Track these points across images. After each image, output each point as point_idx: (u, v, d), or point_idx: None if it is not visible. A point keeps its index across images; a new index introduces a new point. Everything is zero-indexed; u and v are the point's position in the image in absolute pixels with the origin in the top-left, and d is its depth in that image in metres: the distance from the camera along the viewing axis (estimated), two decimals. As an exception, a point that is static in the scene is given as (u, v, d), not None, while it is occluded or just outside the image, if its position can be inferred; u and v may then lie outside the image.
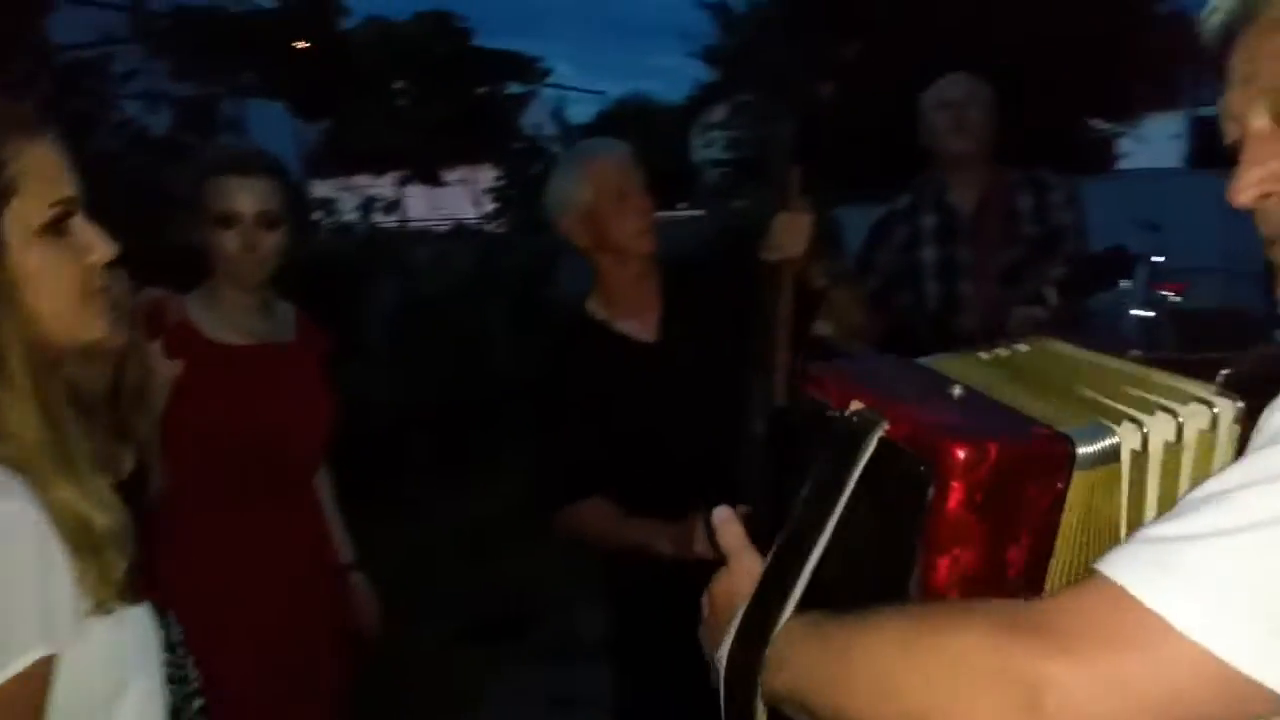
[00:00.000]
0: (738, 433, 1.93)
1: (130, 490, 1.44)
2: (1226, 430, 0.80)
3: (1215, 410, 0.79)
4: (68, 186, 1.04)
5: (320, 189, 8.39)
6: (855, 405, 0.85)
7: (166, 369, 1.83)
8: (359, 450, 4.70)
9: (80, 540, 0.97)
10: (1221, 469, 0.67)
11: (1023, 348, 0.98)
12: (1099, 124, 14.78)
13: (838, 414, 0.86)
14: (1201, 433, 0.79)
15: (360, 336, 5.73)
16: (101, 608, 1.00)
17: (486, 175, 10.34)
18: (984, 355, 0.97)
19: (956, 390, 0.85)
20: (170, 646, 1.20)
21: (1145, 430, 0.78)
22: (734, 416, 2.00)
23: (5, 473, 0.95)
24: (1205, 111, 25.46)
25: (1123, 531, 0.78)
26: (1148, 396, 0.80)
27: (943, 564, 0.76)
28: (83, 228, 1.06)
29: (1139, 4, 13.78)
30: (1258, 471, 0.62)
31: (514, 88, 9.39)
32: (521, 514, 4.85)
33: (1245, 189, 0.81)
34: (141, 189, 4.93)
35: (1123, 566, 0.62)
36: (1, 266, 0.97)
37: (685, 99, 20.51)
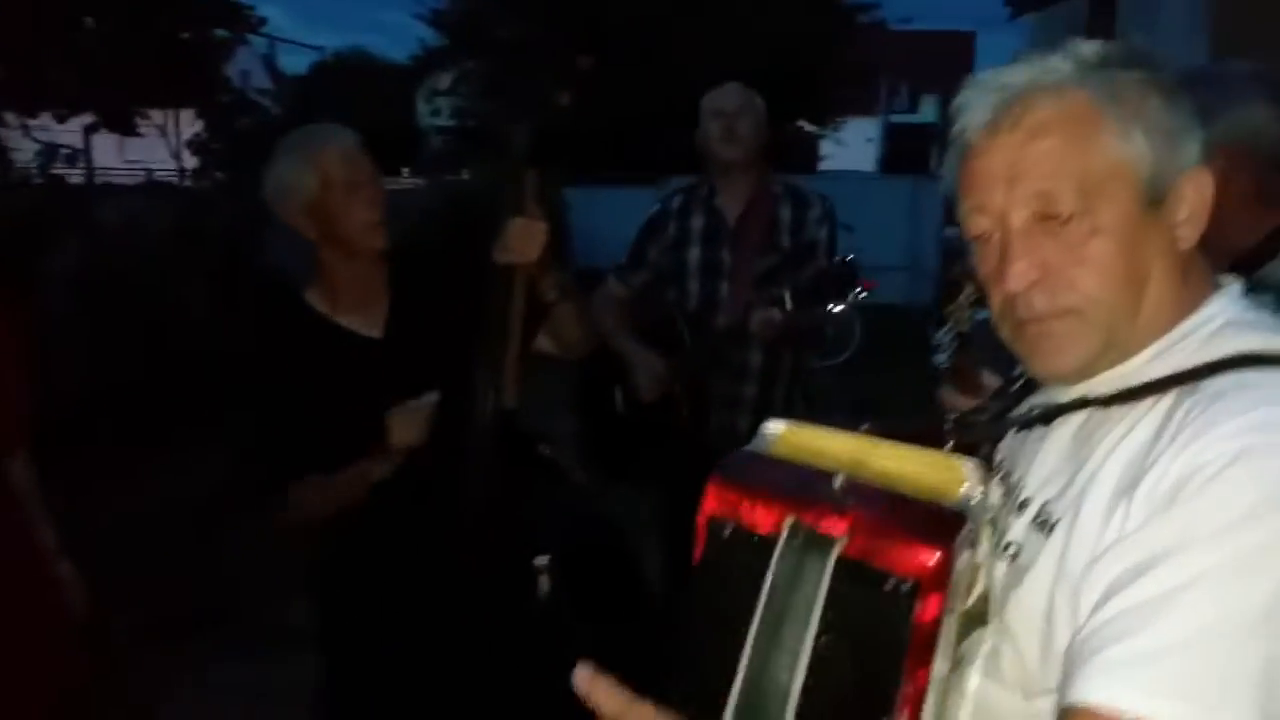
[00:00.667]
0: (462, 434, 1.92)
1: None
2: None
3: (963, 472, 0.84)
4: None
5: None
6: (789, 521, 0.80)
7: None
8: (39, 432, 4.28)
9: None
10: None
11: (780, 430, 0.94)
12: (805, 125, 15.83)
13: (770, 538, 0.80)
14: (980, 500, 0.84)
15: (38, 306, 5.14)
16: None
17: (187, 125, 9.52)
18: (781, 431, 0.94)
19: (838, 481, 0.83)
20: None
21: (976, 499, 0.82)
22: (459, 418, 1.99)
23: None
24: (897, 119, 28.05)
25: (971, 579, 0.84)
26: (941, 473, 0.83)
27: (923, 675, 0.76)
28: None
29: (843, 16, 14.86)
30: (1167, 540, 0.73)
31: (221, 33, 8.72)
32: (222, 500, 4.61)
33: (1015, 279, 0.88)
34: None
35: (1095, 684, 0.71)
36: None
37: (410, 59, 19.93)
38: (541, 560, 1.91)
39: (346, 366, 1.95)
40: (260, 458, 2.01)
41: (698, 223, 2.84)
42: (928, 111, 28.68)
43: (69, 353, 5.14)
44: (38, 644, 1.98)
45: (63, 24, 7.32)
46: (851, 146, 18.49)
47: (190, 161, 9.26)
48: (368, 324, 2.00)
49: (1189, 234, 0.89)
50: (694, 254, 2.82)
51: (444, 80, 16.73)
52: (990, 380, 1.31)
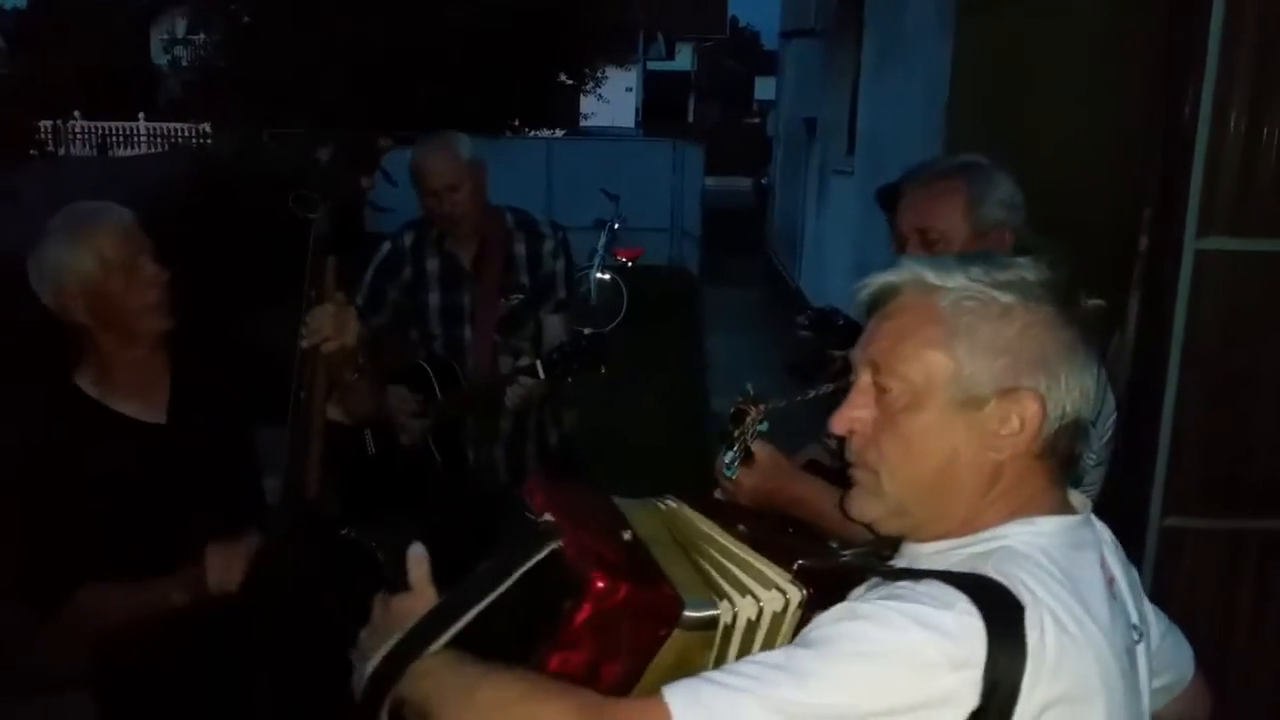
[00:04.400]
0: (254, 516, 1.88)
1: None
2: (792, 612, 1.05)
3: (787, 597, 1.05)
4: None
5: None
6: (547, 516, 1.08)
7: None
8: None
9: None
10: (784, 642, 1.01)
11: (670, 505, 1.22)
12: (564, 79, 15.83)
13: (533, 518, 1.08)
14: (775, 614, 1.05)
15: None
16: None
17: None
18: (661, 506, 1.21)
19: (627, 535, 1.08)
20: None
21: (736, 610, 1.03)
22: (251, 498, 1.99)
23: None
24: (654, 66, 28.38)
25: None
26: (744, 580, 1.06)
27: (555, 659, 1.00)
28: None
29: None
30: (780, 658, 0.92)
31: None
32: None
33: (840, 423, 1.04)
34: None
35: (676, 690, 0.91)
36: None
37: (139, -7, 18.37)
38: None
39: (126, 455, 1.84)
40: (40, 560, 1.85)
41: (433, 265, 2.77)
42: (683, 59, 29.35)
43: None
44: None
45: None
46: (612, 101, 18.63)
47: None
48: (149, 410, 1.90)
49: (1007, 447, 0.97)
50: (434, 298, 2.76)
51: (179, 27, 15.47)
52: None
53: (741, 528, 1.16)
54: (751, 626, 1.05)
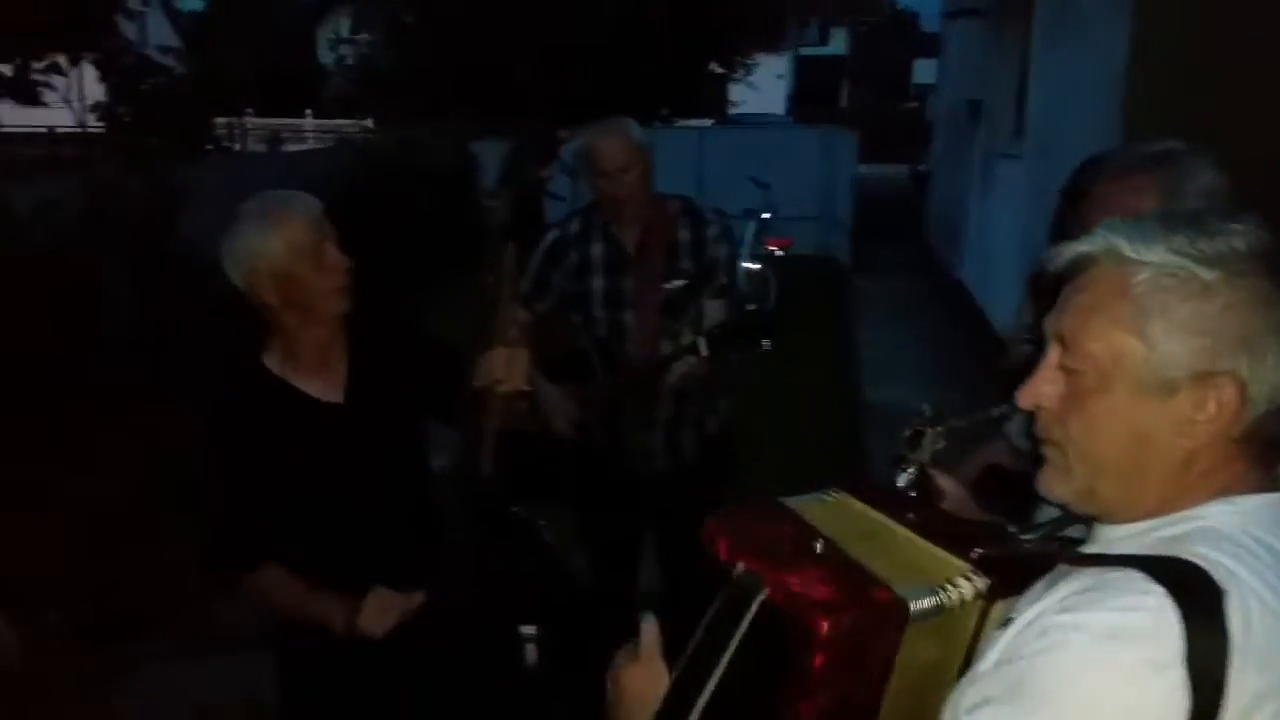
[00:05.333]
0: (422, 502, 1.98)
1: None
2: (973, 603, 1.02)
3: (974, 587, 1.01)
4: None
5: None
6: (740, 566, 1.03)
7: None
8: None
9: None
10: (966, 637, 1.01)
11: (835, 497, 1.18)
12: (714, 68, 15.73)
13: (727, 568, 1.04)
14: (966, 602, 1.01)
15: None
16: None
17: (90, 84, 9.15)
18: (828, 499, 1.17)
19: (819, 545, 1.04)
20: None
21: (952, 593, 1.00)
22: (419, 484, 2.06)
23: None
24: (807, 52, 27.93)
25: (941, 671, 1.02)
26: (928, 570, 1.03)
27: (805, 707, 0.97)
28: None
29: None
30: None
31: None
32: (146, 497, 4.47)
33: (1027, 397, 0.99)
34: None
35: None
36: None
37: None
38: (529, 630, 2.01)
39: (306, 432, 1.96)
40: (225, 529, 2.00)
41: (597, 250, 2.82)
42: (838, 43, 28.67)
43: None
44: None
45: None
46: (761, 88, 18.40)
47: (93, 121, 8.95)
48: (329, 390, 2.01)
49: (1202, 434, 0.91)
50: (597, 283, 2.81)
51: (344, 25, 16.16)
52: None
53: (910, 516, 1.12)
54: (953, 613, 1.01)
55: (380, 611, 1.89)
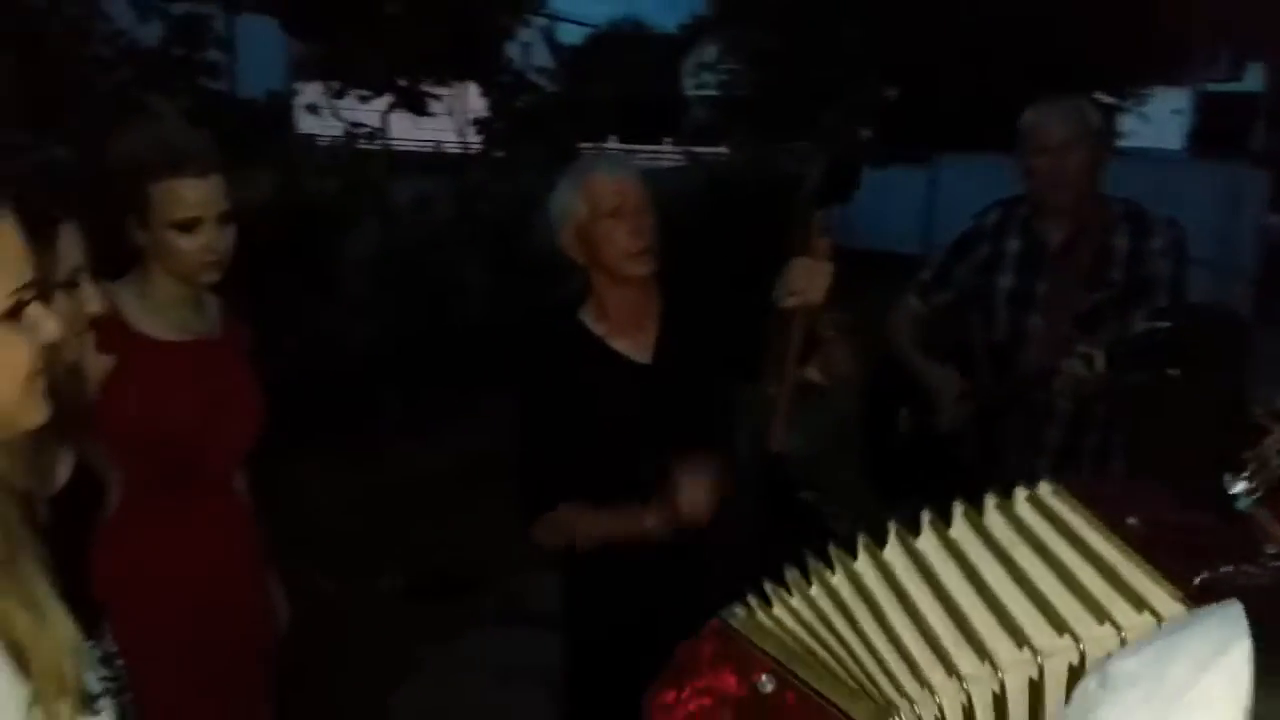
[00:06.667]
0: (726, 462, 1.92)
1: (71, 496, 1.42)
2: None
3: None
4: (28, 270, 1.00)
5: (308, 120, 8.12)
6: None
7: (97, 365, 1.73)
8: (325, 396, 4.59)
9: (30, 658, 0.95)
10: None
11: (1036, 498, 1.02)
12: (1102, 98, 14.50)
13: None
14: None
15: (334, 279, 5.52)
16: None
17: (473, 100, 9.98)
18: (1019, 503, 1.01)
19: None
20: (107, 661, 1.22)
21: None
22: (724, 448, 2.00)
23: None
24: (1215, 88, 25.04)
25: None
26: (1075, 607, 0.85)
27: None
28: (33, 307, 1.01)
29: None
30: None
31: (505, 16, 9.14)
32: (479, 471, 4.78)
33: None
34: (125, 103, 4.77)
35: None
36: None
37: (677, 27, 20.04)
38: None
39: (617, 391, 2.02)
40: (530, 472, 2.07)
41: (1013, 246, 2.59)
42: (1253, 79, 25.15)
43: (359, 323, 5.48)
44: (238, 647, 2.03)
45: (368, 9, 7.82)
46: (1154, 121, 16.81)
47: (474, 138, 9.71)
48: (638, 349, 2.05)
49: None
50: (1005, 280, 2.58)
51: (710, 52, 16.68)
52: None
53: (1132, 521, 0.93)
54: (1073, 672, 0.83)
55: (695, 488, 1.85)
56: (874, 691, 0.89)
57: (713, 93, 16.60)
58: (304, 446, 4.04)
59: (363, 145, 6.94)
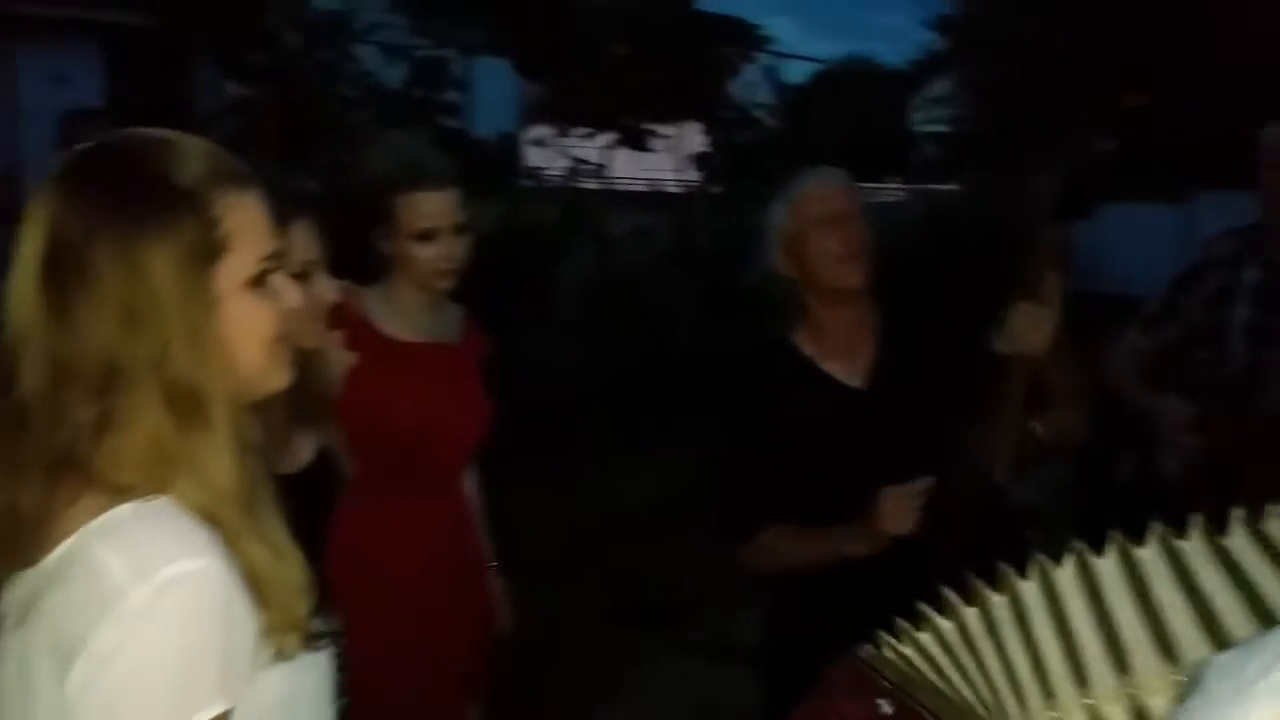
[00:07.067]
0: (941, 502, 1.80)
1: (311, 479, 1.50)
2: None
3: None
4: (273, 240, 1.06)
5: (535, 156, 8.51)
6: None
7: (342, 360, 1.83)
8: (536, 420, 4.73)
9: (265, 591, 1.00)
10: None
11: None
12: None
13: None
14: None
15: (550, 306, 5.70)
16: (282, 656, 1.03)
17: (693, 137, 10.14)
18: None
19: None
20: (335, 639, 1.22)
21: None
22: (939, 480, 1.87)
23: (196, 523, 0.97)
24: None
25: None
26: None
27: None
28: (277, 277, 1.07)
29: None
30: None
31: (731, 53, 9.24)
32: (687, 501, 4.78)
33: None
34: (368, 137, 5.17)
35: None
36: (213, 320, 1.00)
37: (908, 64, 19.60)
38: None
39: (827, 414, 1.94)
40: (733, 493, 2.02)
41: (1250, 276, 2.39)
42: None
43: (574, 350, 5.63)
44: (458, 645, 2.08)
45: (596, 50, 8.14)
46: None
47: (694, 175, 9.85)
48: (852, 373, 1.97)
49: None
50: (1240, 314, 2.39)
51: (941, 87, 16.24)
52: None
53: None
54: None
55: (897, 507, 1.77)
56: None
57: (943, 129, 16.12)
58: (513, 466, 4.17)
59: (583, 181, 7.17)
